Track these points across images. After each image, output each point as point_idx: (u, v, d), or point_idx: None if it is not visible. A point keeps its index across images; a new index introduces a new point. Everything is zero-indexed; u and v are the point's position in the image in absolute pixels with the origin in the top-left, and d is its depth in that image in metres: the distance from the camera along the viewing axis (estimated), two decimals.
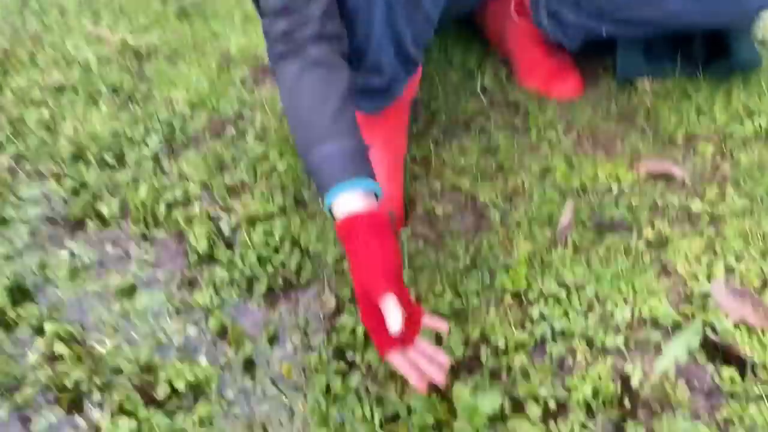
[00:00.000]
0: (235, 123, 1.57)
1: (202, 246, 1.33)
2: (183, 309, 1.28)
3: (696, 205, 1.25)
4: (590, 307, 1.15)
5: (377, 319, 0.97)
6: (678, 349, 1.03)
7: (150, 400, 1.13)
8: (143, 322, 1.26)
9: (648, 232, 1.23)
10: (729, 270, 1.17)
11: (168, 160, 1.53)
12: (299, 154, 1.05)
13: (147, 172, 1.49)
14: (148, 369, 1.16)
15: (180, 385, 1.13)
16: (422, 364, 1.00)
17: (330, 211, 1.02)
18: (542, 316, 1.16)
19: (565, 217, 1.24)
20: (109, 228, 1.42)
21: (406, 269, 1.23)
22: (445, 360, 1.01)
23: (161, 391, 1.13)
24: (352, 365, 1.16)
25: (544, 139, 1.44)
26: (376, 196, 1.03)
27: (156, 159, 1.53)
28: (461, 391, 1.04)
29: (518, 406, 1.08)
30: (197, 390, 1.15)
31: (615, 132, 1.45)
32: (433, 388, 1.10)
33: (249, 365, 1.19)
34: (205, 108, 1.63)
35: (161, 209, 1.42)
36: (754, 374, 1.04)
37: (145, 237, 1.40)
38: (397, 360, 1.00)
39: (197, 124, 1.59)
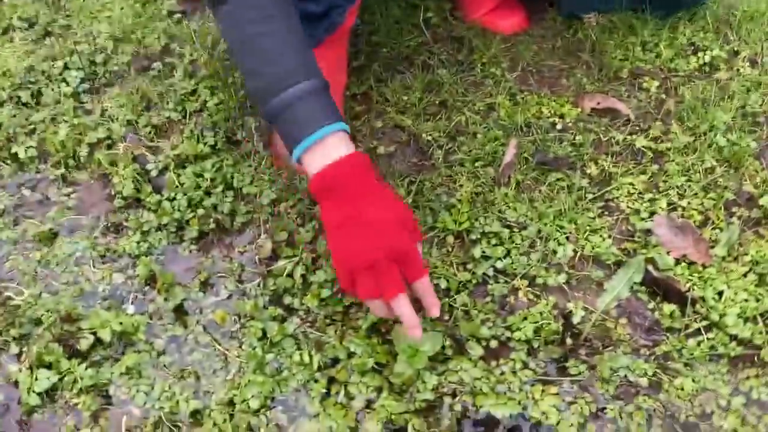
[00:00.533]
0: (162, 58, 1.46)
1: (127, 189, 1.25)
2: (108, 256, 1.20)
3: (640, 142, 1.23)
4: (532, 246, 1.13)
5: (390, 267, 0.89)
6: (620, 286, 1.02)
7: (73, 352, 1.07)
8: (65, 271, 1.18)
9: (591, 169, 1.21)
10: (671, 206, 1.15)
11: (89, 98, 1.42)
12: (257, 100, 0.95)
13: (67, 111, 1.38)
14: (70, 319, 1.08)
15: (105, 335, 1.06)
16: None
17: (299, 159, 0.93)
18: (484, 256, 1.13)
19: (509, 155, 1.20)
20: (26, 171, 1.32)
21: None
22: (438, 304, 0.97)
23: (84, 343, 1.06)
24: (289, 310, 1.12)
25: (488, 75, 1.39)
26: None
27: (76, 97, 1.42)
28: (401, 333, 1.00)
29: (460, 347, 1.06)
30: (124, 340, 1.09)
31: (560, 68, 1.40)
32: (373, 330, 1.07)
33: (180, 313, 1.13)
34: (129, 42, 1.51)
35: (83, 151, 1.32)
36: (694, 309, 1.04)
37: (65, 180, 1.31)
38: (404, 303, 0.92)
39: (121, 59, 1.48)
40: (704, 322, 1.03)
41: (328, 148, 0.91)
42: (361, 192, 0.91)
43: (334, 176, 0.91)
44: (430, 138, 1.29)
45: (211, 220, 1.21)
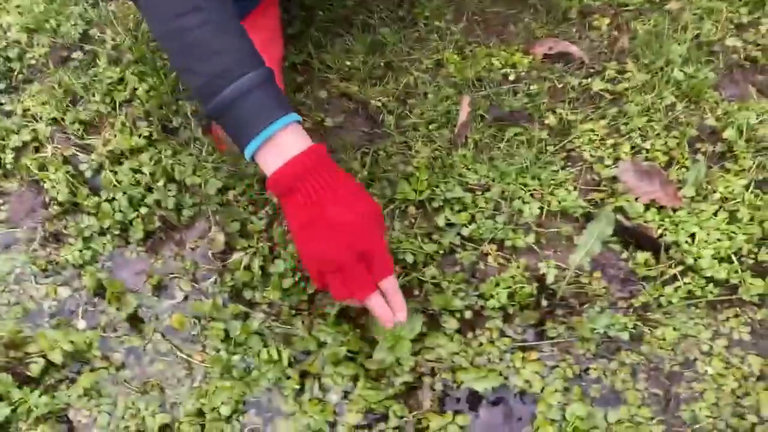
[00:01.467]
0: (82, 46, 1.35)
1: (62, 194, 1.16)
2: (50, 269, 1.12)
3: (597, 85, 1.18)
4: (497, 208, 1.08)
5: (358, 268, 0.85)
6: (591, 241, 0.98)
7: (23, 379, 0.99)
8: (4, 291, 1.09)
9: (550, 119, 1.15)
10: (635, 149, 1.11)
11: (8, 98, 1.30)
12: (197, 99, 0.85)
13: None
14: (15, 344, 1.01)
15: (56, 357, 0.99)
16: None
17: (252, 158, 0.85)
18: (449, 224, 1.08)
19: (462, 113, 1.14)
20: None
21: None
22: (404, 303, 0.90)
23: (35, 368, 0.99)
24: (251, 305, 1.06)
25: (432, 29, 1.31)
26: None
27: None
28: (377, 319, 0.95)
29: (434, 322, 1.01)
30: (78, 359, 1.02)
31: (506, 14, 1.33)
32: (342, 316, 1.02)
33: (135, 322, 1.06)
34: (44, 32, 1.39)
35: (8, 157, 1.21)
36: (668, 255, 1.01)
37: None
38: (377, 300, 0.88)
39: (37, 51, 1.36)
40: (679, 267, 1.01)
41: (281, 145, 0.84)
42: (323, 188, 0.84)
43: (292, 175, 0.84)
44: (379, 104, 1.22)
45: (156, 217, 1.13)
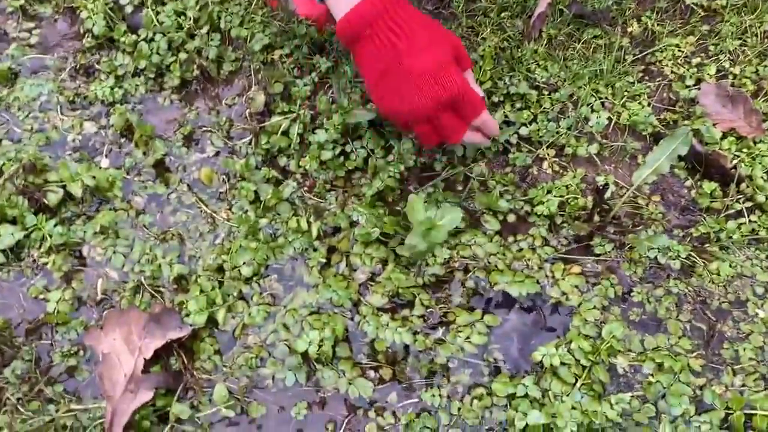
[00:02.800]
0: None
1: (98, 27, 1.08)
2: (78, 102, 1.06)
3: None
4: (563, 112, 1.00)
5: (447, 116, 0.82)
6: (661, 159, 0.90)
7: (39, 207, 0.95)
8: (28, 116, 1.03)
9: (633, 27, 1.05)
10: (721, 73, 1.02)
11: None
12: None
13: None
14: (36, 170, 0.95)
15: (76, 190, 0.94)
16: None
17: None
18: (507, 121, 1.00)
19: (541, 4, 1.04)
20: None
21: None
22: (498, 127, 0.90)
23: (53, 197, 0.94)
24: (285, 173, 0.99)
25: None
26: None
27: None
28: (416, 204, 0.89)
29: (474, 220, 0.95)
30: (98, 196, 0.97)
31: None
32: (379, 198, 0.96)
33: (161, 169, 1.00)
34: None
35: None
36: (738, 189, 0.94)
37: (25, 13, 1.13)
38: (472, 136, 0.88)
39: None
40: (748, 203, 0.93)
41: None
42: (397, 32, 0.77)
43: (364, 17, 0.76)
44: None
45: (195, 66, 1.06)
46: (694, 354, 0.85)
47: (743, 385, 0.83)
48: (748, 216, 0.93)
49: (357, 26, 0.76)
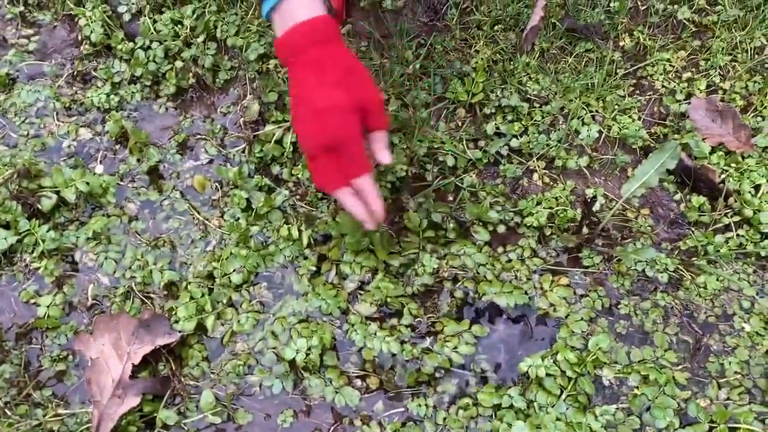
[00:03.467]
0: None
1: (96, 34, 1.09)
2: (74, 108, 1.07)
3: (683, 13, 1.08)
4: (553, 124, 1.01)
5: (324, 160, 0.77)
6: (650, 172, 0.91)
7: (33, 212, 0.95)
8: (24, 122, 1.04)
9: (625, 41, 1.06)
10: (711, 88, 1.03)
11: None
12: None
13: None
14: (30, 175, 0.96)
15: (69, 195, 0.95)
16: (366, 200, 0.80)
17: (269, 18, 0.78)
18: (498, 133, 1.01)
19: (535, 17, 1.05)
20: None
21: None
22: (380, 205, 0.80)
23: (47, 202, 0.95)
24: (277, 181, 1.00)
25: None
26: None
27: None
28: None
29: (464, 230, 0.96)
30: (91, 202, 0.97)
31: None
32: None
33: (154, 176, 1.01)
34: None
35: None
36: (726, 203, 0.94)
37: (25, 20, 1.14)
38: (346, 197, 0.79)
39: None
40: (735, 218, 0.94)
41: (293, 8, 0.76)
42: (314, 67, 0.76)
43: (288, 47, 0.76)
44: None
45: (191, 74, 1.07)
46: (680, 367, 0.86)
47: (728, 399, 0.83)
48: (736, 230, 0.93)
49: (284, 52, 0.77)
